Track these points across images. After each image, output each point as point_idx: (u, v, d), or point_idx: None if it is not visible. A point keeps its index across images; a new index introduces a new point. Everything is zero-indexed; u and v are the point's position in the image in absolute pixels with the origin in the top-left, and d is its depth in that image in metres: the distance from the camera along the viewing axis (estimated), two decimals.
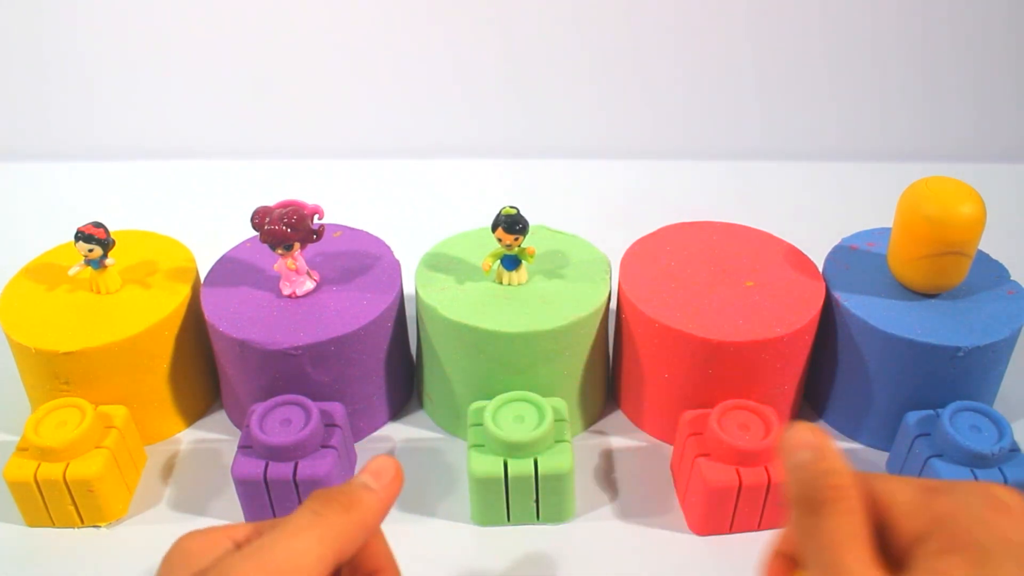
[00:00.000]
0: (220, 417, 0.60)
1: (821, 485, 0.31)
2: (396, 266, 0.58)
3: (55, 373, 0.53)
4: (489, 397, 0.52)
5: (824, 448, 0.32)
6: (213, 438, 0.58)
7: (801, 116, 0.93)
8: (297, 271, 0.55)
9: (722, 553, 0.50)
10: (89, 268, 0.56)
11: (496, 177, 0.89)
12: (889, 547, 0.31)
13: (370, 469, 0.35)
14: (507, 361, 0.53)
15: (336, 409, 0.53)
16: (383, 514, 0.35)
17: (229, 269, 0.58)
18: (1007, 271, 0.57)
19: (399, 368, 0.59)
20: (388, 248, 0.60)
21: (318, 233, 0.54)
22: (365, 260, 0.59)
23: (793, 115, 0.93)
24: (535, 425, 0.49)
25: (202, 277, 0.59)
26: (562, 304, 0.54)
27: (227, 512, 0.52)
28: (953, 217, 0.51)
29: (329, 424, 0.52)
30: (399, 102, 0.93)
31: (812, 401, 0.60)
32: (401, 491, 0.54)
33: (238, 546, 0.33)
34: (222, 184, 0.88)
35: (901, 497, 0.31)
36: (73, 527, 0.51)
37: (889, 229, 0.56)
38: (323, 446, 0.50)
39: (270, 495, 0.50)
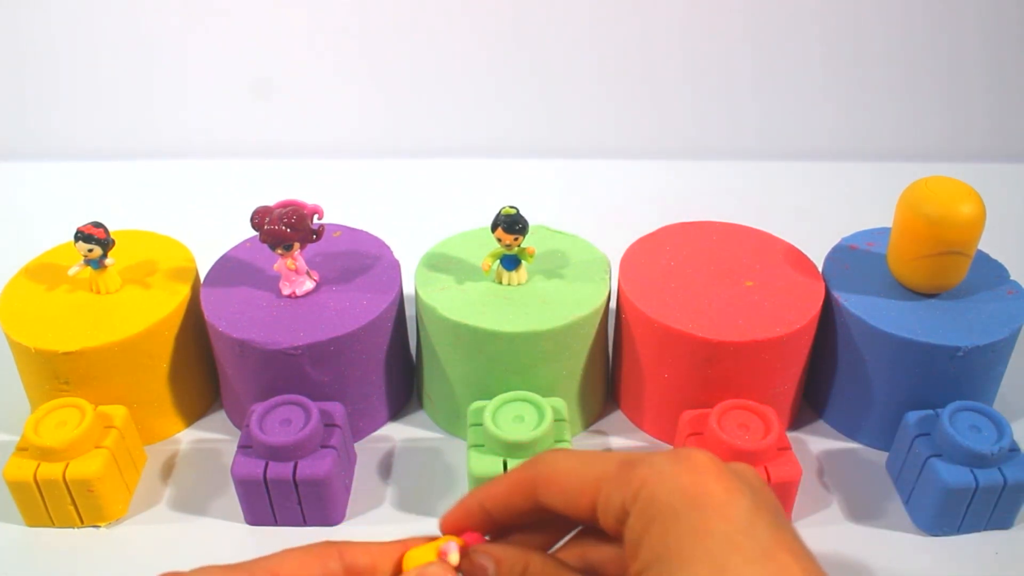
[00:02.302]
0: (220, 417, 0.60)
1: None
2: (396, 266, 0.58)
3: (55, 373, 0.53)
4: (489, 397, 0.52)
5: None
6: (213, 438, 0.58)
7: (801, 116, 0.93)
8: (297, 271, 0.55)
9: None
10: (89, 268, 0.56)
11: (496, 177, 0.89)
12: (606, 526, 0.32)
13: None
14: (507, 361, 0.53)
15: (336, 409, 0.53)
16: None
17: (229, 269, 0.58)
18: (1007, 271, 0.57)
19: (399, 368, 0.59)
20: (388, 248, 0.60)
21: (318, 233, 0.54)
22: (365, 260, 0.59)
23: (793, 115, 0.93)
24: (535, 425, 0.49)
25: (202, 277, 0.59)
26: (562, 304, 0.54)
27: (227, 512, 0.52)
28: (953, 217, 0.51)
29: (329, 424, 0.52)
30: (399, 102, 0.93)
31: (812, 401, 0.60)
32: (402, 493, 0.54)
33: None
34: (222, 184, 0.88)
35: (603, 476, 0.32)
36: (73, 527, 0.51)
37: (889, 229, 0.56)
38: (323, 446, 0.50)
39: (270, 495, 0.50)
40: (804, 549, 0.29)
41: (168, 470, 0.55)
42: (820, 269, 0.58)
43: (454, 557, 0.33)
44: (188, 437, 0.58)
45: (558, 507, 0.33)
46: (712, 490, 0.30)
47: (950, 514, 0.49)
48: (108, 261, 0.56)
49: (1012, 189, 0.86)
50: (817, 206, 0.83)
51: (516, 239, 0.54)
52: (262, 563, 0.32)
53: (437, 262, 0.58)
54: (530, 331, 0.52)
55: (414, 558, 0.33)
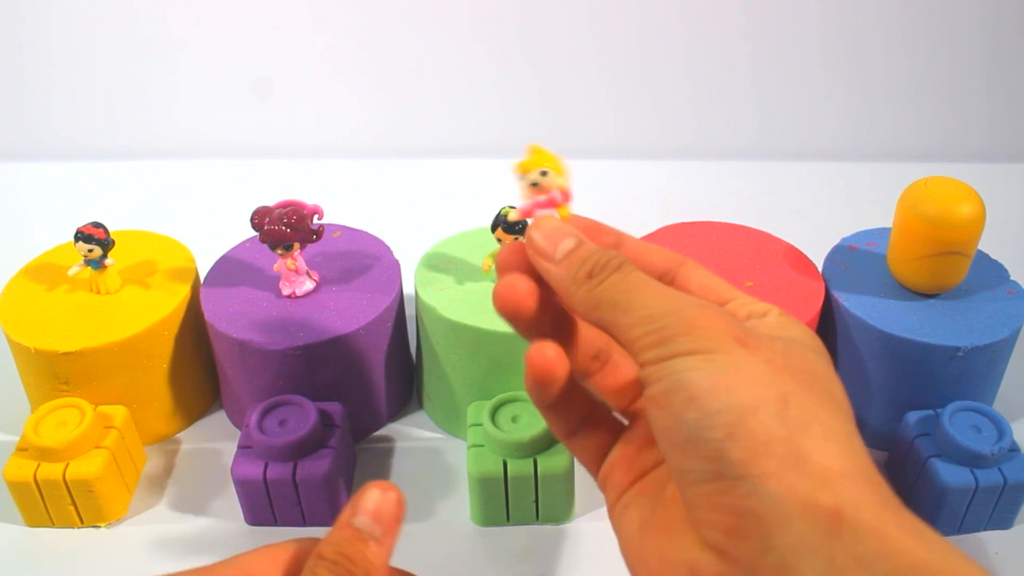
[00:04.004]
0: (220, 417, 0.60)
1: (609, 254, 0.32)
2: (396, 266, 0.58)
3: (55, 373, 0.53)
4: (489, 397, 0.52)
5: (581, 235, 0.34)
6: (213, 438, 0.58)
7: (801, 116, 0.93)
8: (297, 271, 0.55)
9: None
10: (89, 268, 0.56)
11: (496, 177, 0.89)
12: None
13: (369, 510, 0.32)
14: (507, 361, 0.53)
15: (336, 409, 0.53)
16: (390, 558, 0.32)
17: (229, 269, 0.58)
18: (1007, 271, 0.57)
19: (399, 368, 0.59)
20: (388, 248, 0.60)
21: (318, 233, 0.54)
22: (365, 260, 0.59)
23: (793, 115, 0.93)
24: (535, 425, 0.49)
25: (202, 277, 0.59)
26: None
27: (227, 512, 0.52)
28: (953, 217, 0.51)
29: (328, 424, 0.52)
30: (399, 102, 0.93)
31: None
32: (403, 493, 0.54)
33: None
34: (222, 184, 0.88)
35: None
36: (73, 527, 0.51)
37: (889, 229, 0.56)
38: (323, 446, 0.50)
39: (270, 495, 0.50)
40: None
41: (168, 470, 0.55)
42: (820, 269, 0.58)
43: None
44: (188, 437, 0.58)
45: (692, 285, 0.34)
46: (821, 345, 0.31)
47: (950, 514, 0.49)
48: (108, 261, 0.56)
49: (1012, 189, 0.86)
50: (817, 206, 0.83)
51: (516, 239, 0.54)
52: (235, 562, 0.32)
53: (437, 262, 0.58)
54: None
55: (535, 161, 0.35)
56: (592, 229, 0.36)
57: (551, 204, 0.36)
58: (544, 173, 0.36)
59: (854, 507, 0.26)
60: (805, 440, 0.27)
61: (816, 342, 0.32)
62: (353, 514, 0.32)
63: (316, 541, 0.33)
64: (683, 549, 0.29)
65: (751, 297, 0.34)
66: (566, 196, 0.36)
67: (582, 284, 0.32)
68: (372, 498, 0.32)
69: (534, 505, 0.50)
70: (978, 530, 0.51)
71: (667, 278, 0.35)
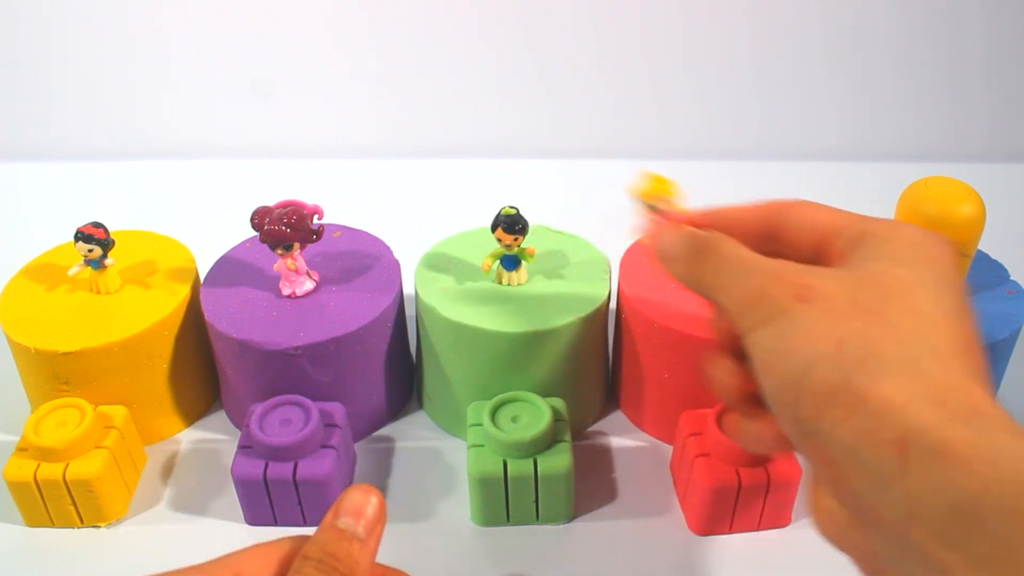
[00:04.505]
0: (220, 417, 0.60)
1: (701, 235, 0.36)
2: (396, 266, 0.58)
3: (55, 373, 0.53)
4: (489, 397, 0.52)
5: (691, 229, 0.38)
6: (213, 438, 0.58)
7: (801, 116, 0.93)
8: (297, 271, 0.55)
9: (722, 553, 0.50)
10: (89, 268, 0.56)
11: (496, 177, 0.89)
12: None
13: (351, 511, 0.33)
14: (507, 361, 0.53)
15: (336, 409, 0.53)
16: (374, 558, 0.33)
17: (229, 269, 0.58)
18: (1007, 271, 0.57)
19: (399, 368, 0.59)
20: (388, 248, 0.60)
21: (318, 233, 0.54)
22: (365, 260, 0.59)
23: (793, 115, 0.93)
24: (535, 425, 0.49)
25: (202, 277, 0.59)
26: (562, 304, 0.54)
27: (227, 512, 0.52)
28: (952, 217, 0.51)
29: (329, 424, 0.52)
30: (399, 102, 0.93)
31: None
32: (403, 493, 0.54)
33: None
34: (222, 184, 0.88)
35: (847, 217, 0.35)
36: (73, 527, 0.51)
37: None
38: (323, 446, 0.50)
39: (270, 495, 0.50)
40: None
41: (168, 470, 0.55)
42: None
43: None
44: (188, 437, 0.58)
45: (791, 234, 0.36)
46: (945, 251, 0.33)
47: None
48: (108, 261, 0.56)
49: (1012, 189, 0.86)
50: None
51: (516, 239, 0.54)
52: (225, 561, 0.32)
53: (437, 262, 0.58)
54: (530, 331, 0.52)
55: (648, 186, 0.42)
56: (695, 218, 0.40)
57: (667, 223, 0.41)
58: (660, 200, 0.43)
59: (917, 434, 0.27)
60: (862, 378, 0.28)
61: (912, 245, 0.33)
62: (336, 516, 0.33)
63: (300, 538, 0.33)
64: (825, 496, 0.32)
65: (858, 215, 0.35)
66: (680, 216, 0.41)
67: (689, 274, 0.36)
68: (354, 500, 0.33)
69: (534, 505, 0.50)
70: None
71: (772, 232, 0.37)
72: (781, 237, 0.37)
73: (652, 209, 0.43)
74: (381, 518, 0.34)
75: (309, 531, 0.50)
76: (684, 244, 0.37)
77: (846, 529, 0.31)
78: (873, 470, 0.27)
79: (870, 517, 0.28)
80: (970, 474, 0.25)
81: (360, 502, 0.34)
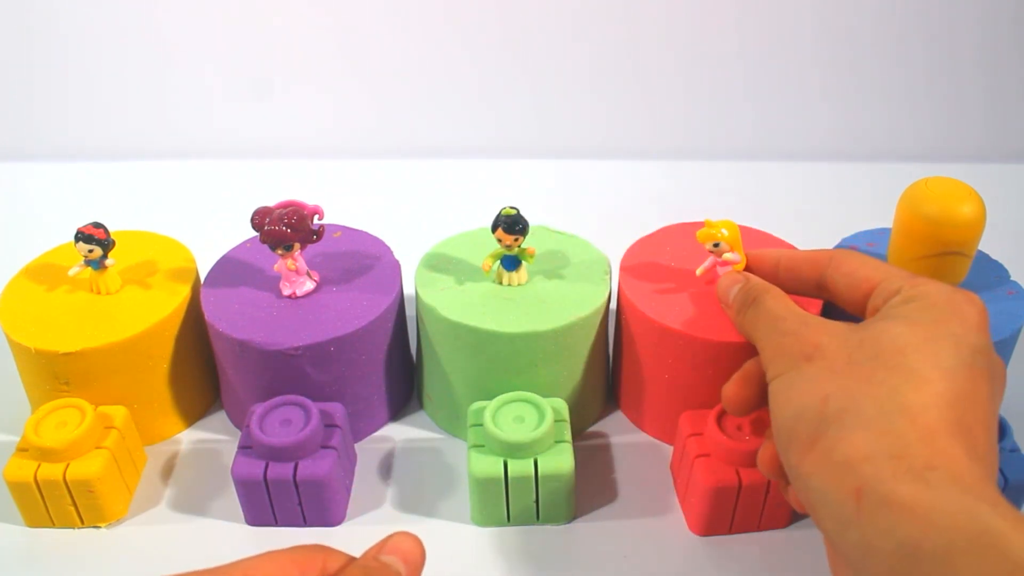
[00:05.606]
0: (220, 417, 0.60)
1: (751, 290, 0.43)
2: (396, 266, 0.58)
3: (55, 373, 0.53)
4: (489, 397, 0.52)
5: (747, 277, 0.45)
6: (213, 438, 0.58)
7: (801, 116, 0.93)
8: (297, 271, 0.55)
9: (722, 553, 0.50)
10: (89, 268, 0.56)
11: (496, 177, 0.89)
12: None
13: (398, 551, 0.35)
14: (507, 361, 0.53)
15: (336, 409, 0.53)
16: None
17: (229, 269, 0.58)
18: (1007, 271, 0.57)
19: (399, 368, 0.59)
20: (388, 248, 0.60)
21: (318, 233, 0.54)
22: (365, 260, 0.59)
23: (793, 115, 0.93)
24: (535, 425, 0.49)
25: (202, 277, 0.59)
26: (562, 304, 0.54)
27: (227, 512, 0.52)
28: (953, 217, 0.51)
29: (329, 424, 0.52)
30: (399, 102, 0.93)
31: None
32: (403, 493, 0.54)
33: None
34: (222, 184, 0.88)
35: (892, 271, 0.40)
36: (73, 527, 0.51)
37: (889, 229, 0.56)
38: (323, 446, 0.50)
39: (270, 495, 0.50)
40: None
41: (168, 470, 0.55)
42: None
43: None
44: (188, 437, 0.58)
45: (839, 286, 0.42)
46: (968, 312, 0.36)
47: None
48: (108, 262, 0.55)
49: (1012, 189, 0.86)
50: (817, 206, 0.83)
51: (516, 239, 0.54)
52: (242, 566, 0.32)
53: (437, 262, 0.58)
54: (530, 331, 0.52)
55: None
56: (757, 259, 0.47)
57: (727, 264, 0.49)
58: (721, 244, 0.50)
59: (872, 484, 0.30)
60: (836, 430, 0.32)
61: (932, 305, 0.36)
62: (380, 552, 0.35)
63: (317, 549, 0.33)
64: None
65: (900, 272, 0.40)
66: (740, 259, 0.50)
67: (739, 322, 0.44)
68: (400, 543, 0.35)
69: (534, 506, 0.50)
70: None
71: (820, 282, 0.43)
72: (827, 288, 0.42)
73: (715, 247, 0.49)
74: (421, 565, 0.36)
75: (309, 532, 0.51)
76: (737, 293, 0.43)
77: (837, 564, 0.35)
78: (835, 513, 0.31)
79: (842, 554, 0.32)
80: (911, 523, 0.29)
81: (407, 547, 0.35)
